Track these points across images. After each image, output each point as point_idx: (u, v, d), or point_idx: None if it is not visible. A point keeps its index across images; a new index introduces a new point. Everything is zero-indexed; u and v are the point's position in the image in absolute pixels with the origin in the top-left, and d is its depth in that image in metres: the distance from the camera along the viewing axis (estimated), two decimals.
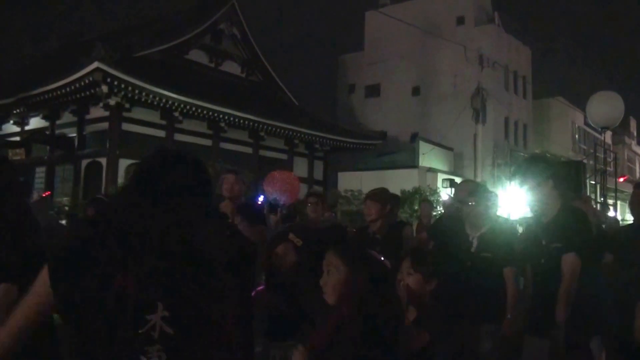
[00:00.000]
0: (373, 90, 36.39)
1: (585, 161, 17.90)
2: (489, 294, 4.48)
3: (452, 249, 5.01)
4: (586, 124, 36.23)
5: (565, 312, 3.83)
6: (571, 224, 3.90)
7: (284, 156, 26.95)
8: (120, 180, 19.60)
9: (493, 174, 30.84)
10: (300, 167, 27.60)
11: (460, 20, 33.87)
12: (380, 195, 5.60)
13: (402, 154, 28.72)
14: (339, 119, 32.82)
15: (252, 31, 27.99)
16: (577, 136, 40.32)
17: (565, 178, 4.27)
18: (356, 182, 25.00)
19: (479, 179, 26.60)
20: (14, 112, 22.31)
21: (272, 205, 8.30)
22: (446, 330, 3.56)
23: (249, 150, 25.12)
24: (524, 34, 36.58)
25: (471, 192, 5.07)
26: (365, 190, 25.07)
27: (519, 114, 35.66)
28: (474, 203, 4.94)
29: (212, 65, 26.25)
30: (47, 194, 12.09)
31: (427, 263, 3.27)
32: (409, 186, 22.08)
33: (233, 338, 2.06)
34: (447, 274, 4.67)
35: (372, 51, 36.35)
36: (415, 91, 34.95)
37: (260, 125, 23.98)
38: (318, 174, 28.86)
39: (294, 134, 25.69)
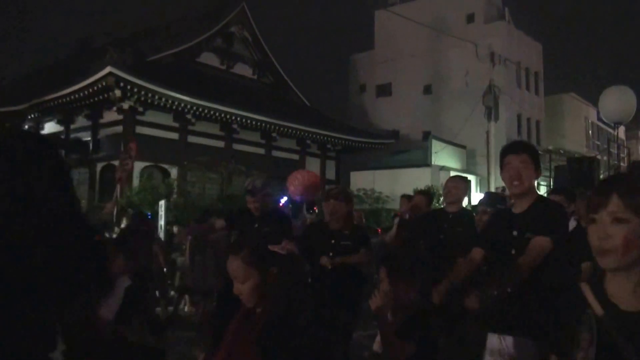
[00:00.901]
0: (384, 89, 36.39)
1: (599, 157, 17.85)
2: None
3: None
4: (599, 119, 36.02)
5: (510, 281, 3.38)
6: (547, 214, 3.55)
7: (296, 156, 27.04)
8: (135, 182, 19.79)
9: None
10: (313, 167, 27.63)
11: (471, 18, 33.79)
12: (345, 195, 5.60)
13: (415, 153, 28.72)
14: (351, 119, 32.89)
15: (262, 33, 28.15)
16: (590, 132, 40.11)
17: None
18: (369, 181, 25.06)
19: (492, 177, 26.54)
20: (29, 117, 22.58)
21: (303, 205, 8.45)
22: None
23: (261, 151, 25.24)
24: (534, 30, 36.51)
25: (484, 201, 5.17)
26: (378, 189, 25.10)
27: (531, 111, 35.52)
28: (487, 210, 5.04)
29: (224, 67, 26.40)
30: None
31: (405, 269, 3.14)
32: (421, 185, 22.05)
33: None
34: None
35: (382, 50, 36.34)
36: (427, 89, 34.88)
37: (272, 126, 24.11)
38: (330, 174, 28.91)
39: (306, 134, 25.80)
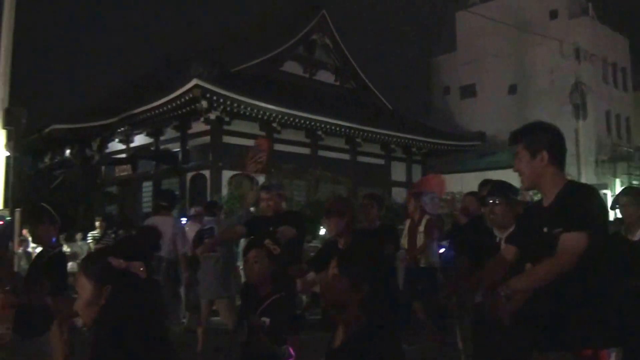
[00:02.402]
0: (468, 91, 35.75)
1: None
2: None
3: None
4: None
5: (528, 285, 2.98)
6: (578, 203, 3.00)
7: (381, 161, 26.81)
8: (224, 191, 20.08)
9: (597, 171, 29.56)
10: (398, 171, 27.39)
11: (554, 14, 32.83)
12: (339, 209, 5.13)
13: (502, 154, 27.92)
14: (435, 121, 32.36)
15: (343, 39, 28.07)
16: None
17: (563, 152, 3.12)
18: (457, 184, 24.48)
19: (582, 177, 25.60)
20: (119, 130, 23.24)
21: None
22: None
23: (346, 157, 25.14)
24: (620, 24, 35.02)
25: (492, 191, 4.69)
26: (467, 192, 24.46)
27: (620, 107, 34.13)
28: (496, 202, 4.56)
29: (307, 75, 26.51)
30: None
31: (355, 267, 2.73)
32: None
33: None
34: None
35: (465, 51, 35.72)
36: (512, 89, 34.10)
37: (357, 132, 24.01)
38: (417, 178, 28.47)
39: (390, 138, 25.56)
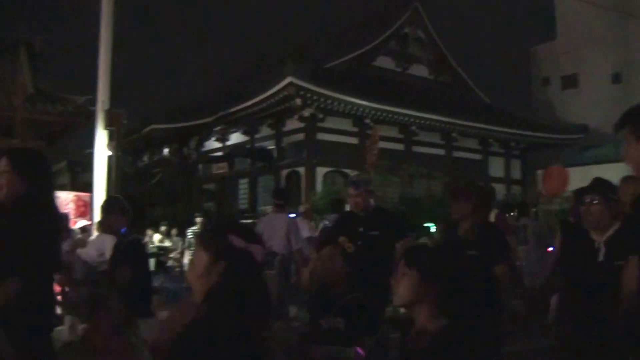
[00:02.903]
0: (570, 81, 34.20)
1: None
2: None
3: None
4: None
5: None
6: None
7: (478, 156, 26.12)
8: (319, 187, 20.10)
9: None
10: (496, 167, 26.60)
11: None
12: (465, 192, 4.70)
13: (607, 148, 26.60)
14: (535, 114, 31.20)
15: (437, 31, 27.52)
16: None
17: None
18: None
19: None
20: (215, 129, 23.70)
21: None
22: None
23: (441, 152, 24.63)
24: None
25: (589, 189, 4.08)
26: (569, 188, 23.50)
27: None
28: (594, 201, 3.95)
29: (400, 70, 26.14)
30: None
31: (423, 261, 2.56)
32: (617, 181, 20.38)
33: None
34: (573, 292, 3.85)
35: (565, 39, 34.19)
36: (616, 78, 32.38)
37: (452, 127, 23.52)
38: (515, 173, 27.65)
39: (488, 133, 24.86)
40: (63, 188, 22.83)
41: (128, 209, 4.27)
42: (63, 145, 26.36)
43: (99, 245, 6.86)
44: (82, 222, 11.02)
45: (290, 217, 8.75)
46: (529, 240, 10.06)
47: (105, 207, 4.27)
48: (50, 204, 2.96)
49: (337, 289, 3.60)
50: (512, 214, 11.46)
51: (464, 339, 2.44)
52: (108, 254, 5.00)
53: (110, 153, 15.56)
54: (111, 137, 15.45)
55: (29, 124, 16.39)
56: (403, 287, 2.51)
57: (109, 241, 6.31)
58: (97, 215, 13.41)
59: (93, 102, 18.79)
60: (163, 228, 15.94)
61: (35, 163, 3.01)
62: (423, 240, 13.13)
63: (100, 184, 15.49)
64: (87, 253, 6.48)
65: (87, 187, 17.75)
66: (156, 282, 10.04)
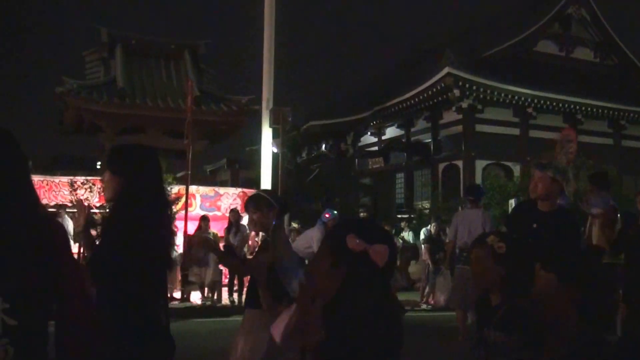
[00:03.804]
0: None
1: None
2: None
3: None
4: None
5: None
6: None
7: None
8: (478, 181, 19.53)
9: None
10: None
11: None
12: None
13: None
14: None
15: (602, 11, 25.77)
16: None
17: None
18: None
19: None
20: (372, 124, 23.77)
21: None
22: None
23: (608, 141, 23.13)
24: None
25: None
26: None
27: None
28: None
29: (562, 54, 24.77)
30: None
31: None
32: None
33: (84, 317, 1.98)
34: None
35: None
36: None
37: (621, 113, 22.30)
38: None
39: None
40: (224, 184, 23.98)
41: (274, 204, 4.24)
42: (223, 144, 27.60)
43: (307, 238, 7.23)
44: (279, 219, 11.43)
45: (485, 212, 8.73)
46: None
47: (251, 204, 4.28)
48: (148, 199, 2.88)
49: (494, 297, 3.20)
50: None
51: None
52: (315, 246, 5.05)
53: (275, 150, 16.09)
54: (276, 135, 15.98)
55: (194, 125, 17.20)
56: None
57: (317, 234, 6.52)
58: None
59: (255, 101, 19.59)
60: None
61: (128, 159, 2.99)
62: None
63: (266, 180, 16.06)
64: (295, 245, 6.72)
65: (247, 183, 18.49)
66: None
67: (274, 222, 4.20)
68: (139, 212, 2.81)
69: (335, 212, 8.56)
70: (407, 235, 15.84)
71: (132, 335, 2.74)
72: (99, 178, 8.67)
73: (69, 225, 11.56)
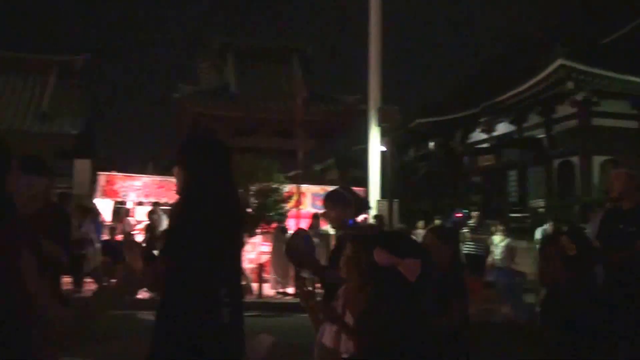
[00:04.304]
0: None
1: None
2: None
3: None
4: None
5: None
6: None
7: None
8: (595, 179, 18.75)
9: None
10: None
11: None
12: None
13: None
14: None
15: None
16: None
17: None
18: None
19: None
20: (481, 120, 23.28)
21: None
22: None
23: None
24: None
25: None
26: None
27: None
28: None
29: None
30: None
31: None
32: None
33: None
34: None
35: None
36: None
37: None
38: None
39: None
40: (332, 183, 24.24)
41: (351, 200, 4.24)
42: (331, 144, 27.94)
43: None
44: (360, 217, 11.48)
45: None
46: None
47: (329, 200, 4.28)
48: (210, 194, 2.89)
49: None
50: None
51: None
52: None
53: (384, 149, 16.16)
54: (384, 133, 16.06)
55: (303, 125, 17.59)
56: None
57: None
58: (372, 210, 14.01)
59: (362, 100, 19.75)
60: (437, 222, 15.93)
61: (191, 153, 3.05)
62: None
63: (374, 179, 16.16)
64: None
65: (355, 181, 18.66)
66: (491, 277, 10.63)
67: (349, 221, 4.23)
68: (200, 209, 2.84)
69: (467, 210, 8.40)
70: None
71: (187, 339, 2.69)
72: None
73: (164, 220, 12.22)
